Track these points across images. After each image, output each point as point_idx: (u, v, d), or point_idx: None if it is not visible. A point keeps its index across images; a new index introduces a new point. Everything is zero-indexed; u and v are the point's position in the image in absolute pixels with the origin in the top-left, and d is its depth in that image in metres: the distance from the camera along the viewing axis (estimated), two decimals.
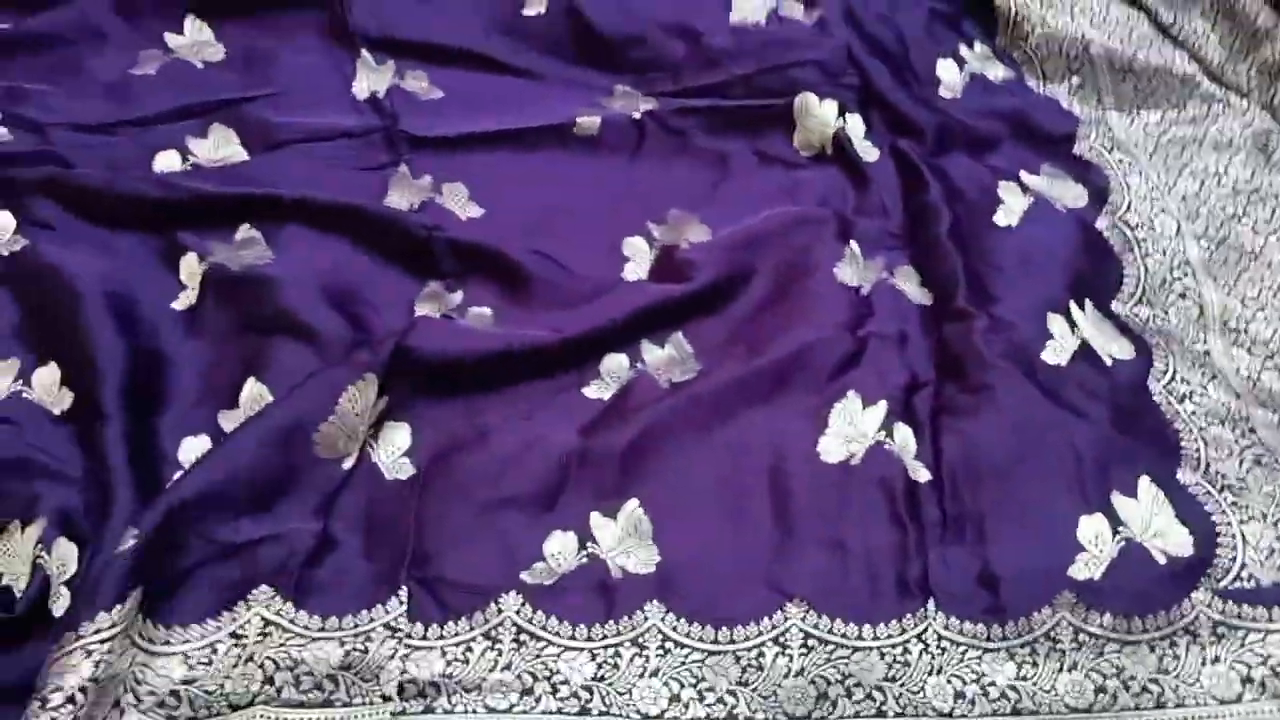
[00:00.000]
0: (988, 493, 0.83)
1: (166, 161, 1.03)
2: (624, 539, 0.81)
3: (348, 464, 0.82)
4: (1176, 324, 1.01)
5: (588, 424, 0.86)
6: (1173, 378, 0.96)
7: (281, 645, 0.73)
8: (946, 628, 0.77)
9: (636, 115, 1.13)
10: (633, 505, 0.82)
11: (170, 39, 1.14)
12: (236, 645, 0.73)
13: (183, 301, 0.93)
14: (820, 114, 1.11)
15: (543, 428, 0.85)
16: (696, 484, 0.83)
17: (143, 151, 1.04)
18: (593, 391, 0.90)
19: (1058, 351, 0.94)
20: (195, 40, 1.15)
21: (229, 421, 0.83)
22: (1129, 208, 1.11)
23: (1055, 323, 0.96)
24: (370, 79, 1.13)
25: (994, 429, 0.86)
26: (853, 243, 0.99)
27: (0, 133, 1.01)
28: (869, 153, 1.10)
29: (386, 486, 0.82)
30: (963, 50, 1.23)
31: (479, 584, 0.77)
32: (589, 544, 0.81)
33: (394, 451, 0.84)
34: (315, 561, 0.76)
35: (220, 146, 1.05)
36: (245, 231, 0.96)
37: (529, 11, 1.20)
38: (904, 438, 0.87)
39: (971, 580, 0.79)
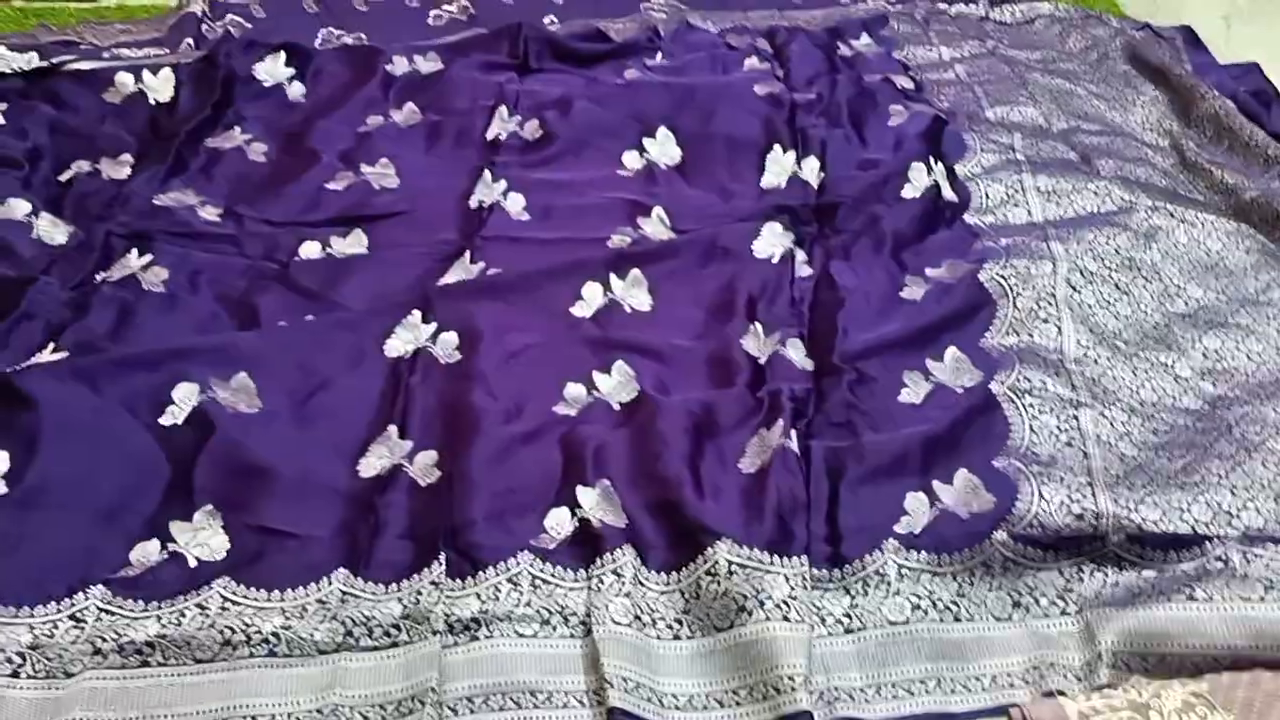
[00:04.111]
0: (839, 482, 1.17)
1: (307, 250, 1.47)
2: (599, 503, 1.14)
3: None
4: (1038, 343, 1.33)
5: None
6: (1017, 379, 1.27)
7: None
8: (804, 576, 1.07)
9: (658, 238, 1.50)
10: (605, 482, 1.16)
11: (365, 168, 1.62)
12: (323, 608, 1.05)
13: (168, 417, 1.22)
14: (778, 239, 1.50)
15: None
16: (646, 470, 1.17)
17: (296, 241, 1.47)
18: (560, 411, 1.25)
19: (913, 394, 1.27)
20: (379, 171, 1.62)
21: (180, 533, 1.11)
22: (1007, 263, 1.44)
23: (910, 376, 1.29)
24: (482, 193, 1.56)
25: (849, 441, 1.21)
26: (756, 323, 1.35)
27: (214, 218, 1.51)
28: (803, 269, 1.46)
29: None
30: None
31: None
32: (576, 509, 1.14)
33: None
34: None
35: (353, 245, 1.49)
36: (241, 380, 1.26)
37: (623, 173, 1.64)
38: (793, 444, 1.19)
39: (818, 541, 1.12)
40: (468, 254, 1.46)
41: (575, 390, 1.29)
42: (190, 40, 1.89)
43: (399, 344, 1.33)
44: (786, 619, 1.03)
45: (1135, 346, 1.34)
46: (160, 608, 1.05)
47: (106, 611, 1.04)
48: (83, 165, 1.61)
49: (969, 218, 1.55)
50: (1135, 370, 1.31)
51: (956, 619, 1.08)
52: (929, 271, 1.46)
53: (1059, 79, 1.87)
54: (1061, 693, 1.02)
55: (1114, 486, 1.15)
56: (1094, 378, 1.29)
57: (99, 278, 1.41)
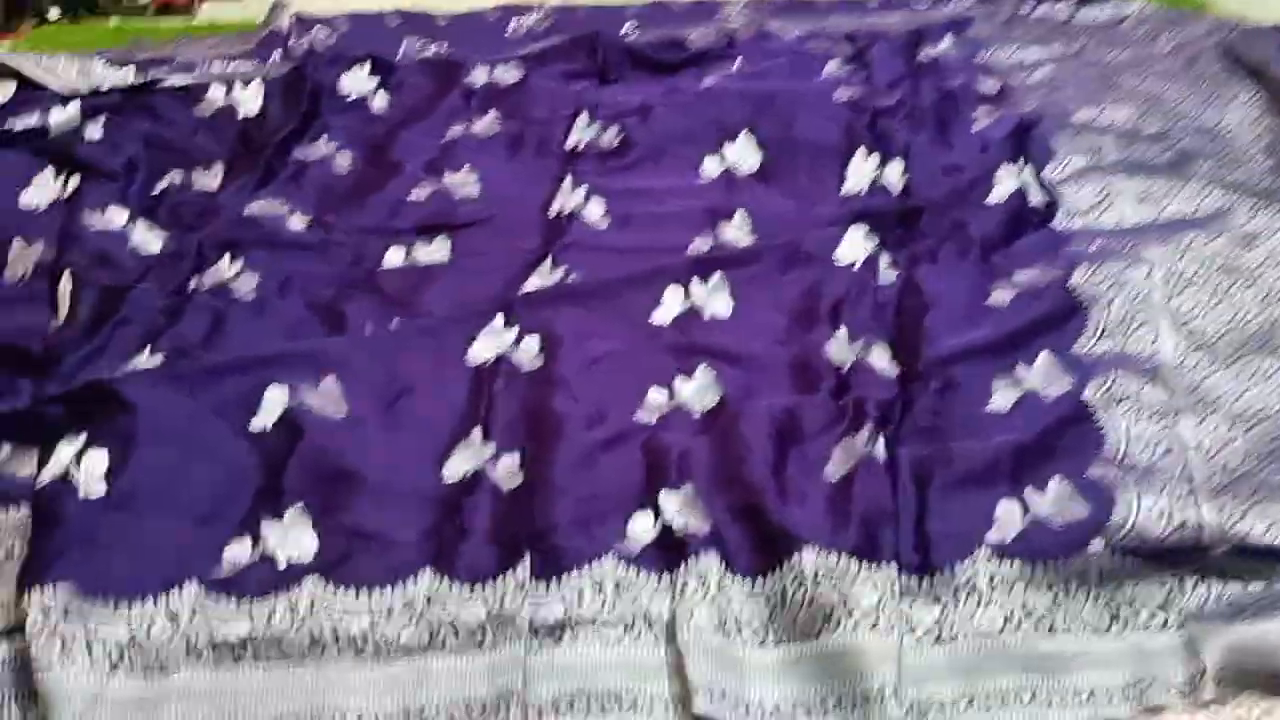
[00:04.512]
0: (927, 489, 1.14)
1: (392, 257, 1.49)
2: (683, 508, 1.13)
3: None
4: (1133, 350, 1.29)
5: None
6: (1112, 384, 1.24)
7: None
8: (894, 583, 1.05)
9: (738, 245, 1.50)
10: (688, 488, 1.14)
11: (448, 176, 1.65)
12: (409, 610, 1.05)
13: (258, 421, 1.23)
14: (861, 244, 1.48)
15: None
16: (729, 476, 1.15)
17: (381, 249, 1.50)
18: (642, 417, 1.25)
19: (1001, 402, 1.24)
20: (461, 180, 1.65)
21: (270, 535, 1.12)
22: (1099, 268, 1.40)
23: (999, 383, 1.26)
24: (562, 200, 1.57)
25: (937, 448, 1.18)
26: (840, 330, 1.33)
27: (302, 227, 1.55)
28: (887, 275, 1.44)
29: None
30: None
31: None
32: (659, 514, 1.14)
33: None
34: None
35: (436, 252, 1.50)
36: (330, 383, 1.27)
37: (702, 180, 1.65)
38: (879, 451, 1.17)
39: (907, 549, 1.09)
40: (548, 261, 1.47)
41: (657, 396, 1.28)
42: (278, 54, 1.94)
43: (481, 350, 1.34)
44: (875, 627, 1.01)
45: (1236, 352, 1.29)
46: (251, 607, 1.06)
47: (201, 609, 1.06)
48: (176, 177, 1.65)
49: (1058, 222, 1.51)
50: (1237, 377, 1.26)
51: (1051, 630, 1.04)
52: (1016, 277, 1.42)
53: (1150, 80, 1.83)
54: (1164, 708, 0.98)
55: (1217, 496, 1.10)
56: (1193, 385, 1.25)
57: (192, 285, 1.45)
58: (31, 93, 1.76)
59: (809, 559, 1.06)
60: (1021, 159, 1.59)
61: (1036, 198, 1.53)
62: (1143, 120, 1.72)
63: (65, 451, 1.17)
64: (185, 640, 1.03)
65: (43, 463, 1.17)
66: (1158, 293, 1.36)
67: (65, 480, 1.14)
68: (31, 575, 1.05)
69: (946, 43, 1.95)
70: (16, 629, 1.02)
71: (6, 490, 1.18)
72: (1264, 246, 1.43)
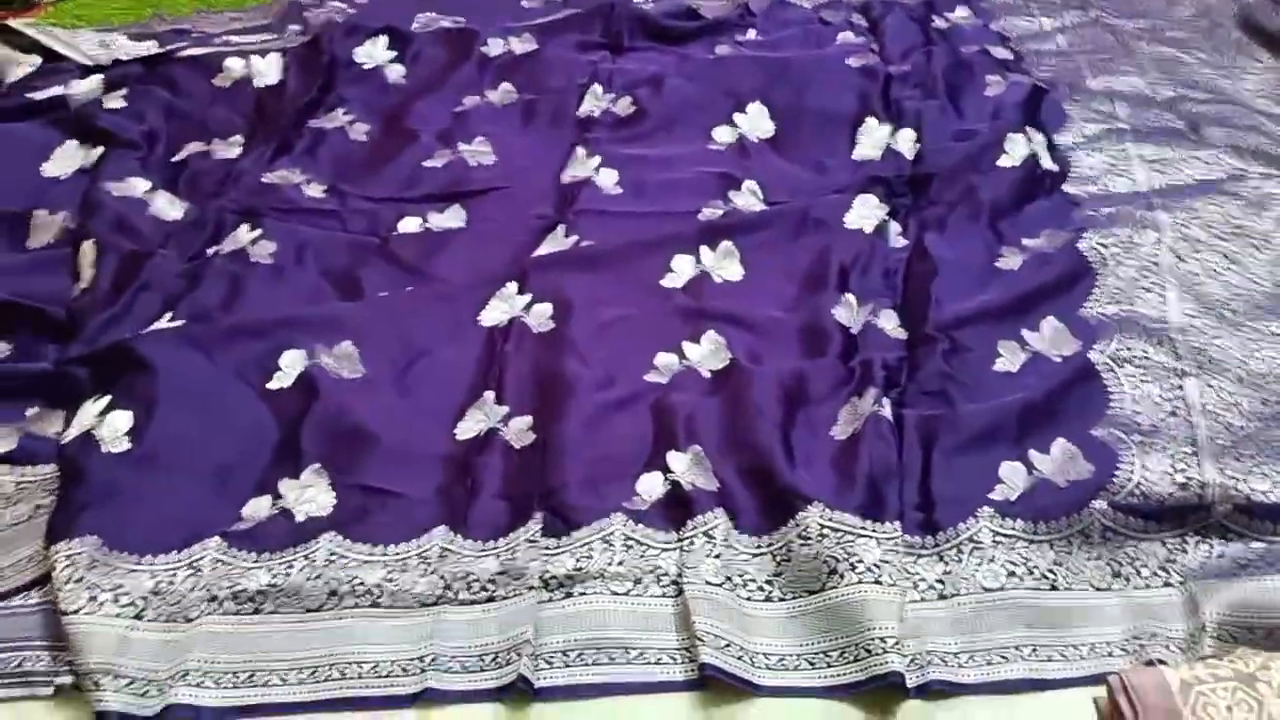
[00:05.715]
0: (932, 450, 1.15)
1: (407, 225, 1.52)
2: (691, 468, 1.16)
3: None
4: (1141, 310, 1.30)
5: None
6: (1118, 346, 1.25)
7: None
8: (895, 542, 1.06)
9: (750, 211, 1.51)
10: (696, 448, 1.17)
11: (462, 146, 1.67)
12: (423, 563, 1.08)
13: (275, 382, 1.27)
14: (872, 210, 1.50)
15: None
16: (737, 438, 1.17)
17: (395, 217, 1.52)
18: (651, 379, 1.27)
19: (1009, 363, 1.25)
20: (476, 149, 1.68)
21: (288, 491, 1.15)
22: (1110, 232, 1.41)
23: (1006, 345, 1.27)
24: (575, 168, 1.60)
25: (943, 410, 1.19)
26: (849, 294, 1.35)
27: (319, 195, 1.58)
28: (897, 240, 1.45)
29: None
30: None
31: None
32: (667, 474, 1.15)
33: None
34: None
35: (450, 219, 1.53)
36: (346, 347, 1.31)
37: (714, 147, 1.66)
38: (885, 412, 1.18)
39: (911, 508, 1.11)
40: (561, 228, 1.49)
41: (666, 359, 1.30)
42: (295, 26, 1.96)
43: (494, 314, 1.37)
44: (878, 582, 1.02)
45: (1244, 316, 1.30)
46: (270, 559, 1.09)
47: (221, 561, 1.09)
48: (195, 146, 1.68)
49: (1069, 187, 1.52)
50: (1244, 340, 1.27)
51: (1053, 587, 1.05)
52: (1026, 241, 1.43)
53: (1166, 47, 1.83)
54: (1163, 662, 0.99)
55: (1221, 456, 1.12)
56: (1200, 347, 1.25)
57: (211, 252, 1.47)
58: (54, 64, 1.78)
59: (814, 515, 1.07)
60: (1033, 125, 1.59)
61: (1048, 163, 1.53)
62: (1158, 87, 1.71)
63: (90, 410, 1.20)
64: (207, 590, 1.06)
65: (68, 422, 1.20)
66: (1167, 257, 1.36)
67: (90, 437, 1.17)
68: (59, 529, 1.09)
69: (961, 11, 1.95)
70: (45, 579, 1.06)
71: (35, 448, 1.21)
72: (1276, 212, 1.43)
